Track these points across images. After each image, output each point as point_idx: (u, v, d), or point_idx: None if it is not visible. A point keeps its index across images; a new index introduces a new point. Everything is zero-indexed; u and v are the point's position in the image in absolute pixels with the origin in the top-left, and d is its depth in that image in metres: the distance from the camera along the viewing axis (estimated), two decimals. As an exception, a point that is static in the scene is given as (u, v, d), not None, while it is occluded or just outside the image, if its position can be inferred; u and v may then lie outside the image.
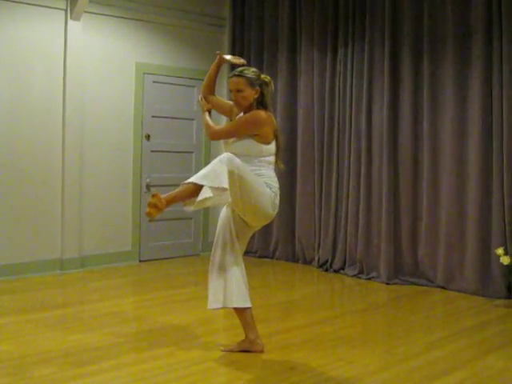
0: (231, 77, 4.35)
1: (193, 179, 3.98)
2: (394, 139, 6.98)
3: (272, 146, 4.32)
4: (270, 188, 4.24)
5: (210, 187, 3.91)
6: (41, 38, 6.99)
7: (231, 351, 4.45)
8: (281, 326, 5.17)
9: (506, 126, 6.16)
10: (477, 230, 6.38)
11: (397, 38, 6.96)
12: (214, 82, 4.62)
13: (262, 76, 4.42)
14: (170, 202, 3.97)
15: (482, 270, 6.35)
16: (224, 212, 4.51)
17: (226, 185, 3.91)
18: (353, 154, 7.31)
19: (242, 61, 4.58)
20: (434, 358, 4.45)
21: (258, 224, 4.49)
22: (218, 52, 4.61)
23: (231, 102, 4.52)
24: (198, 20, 8.38)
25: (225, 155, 4.04)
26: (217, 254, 4.46)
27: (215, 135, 4.45)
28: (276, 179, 4.36)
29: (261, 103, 4.36)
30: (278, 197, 4.32)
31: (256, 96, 4.33)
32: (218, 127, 4.44)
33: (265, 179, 4.24)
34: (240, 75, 4.31)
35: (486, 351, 4.63)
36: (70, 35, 7.11)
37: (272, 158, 4.34)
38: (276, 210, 4.32)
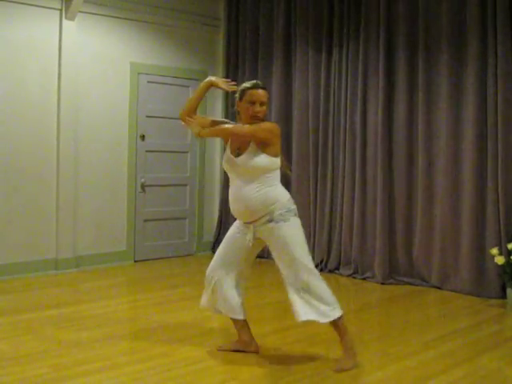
0: (255, 88, 4.20)
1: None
2: (388, 139, 6.99)
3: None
4: None
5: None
6: (36, 38, 6.98)
7: (226, 350, 4.46)
8: (276, 326, 5.17)
9: (501, 127, 6.16)
10: (471, 230, 6.39)
11: (392, 38, 6.97)
12: (197, 106, 4.35)
13: None
14: None
15: (477, 270, 6.36)
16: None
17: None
18: (348, 154, 7.31)
19: (232, 86, 4.35)
20: (429, 357, 4.46)
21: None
22: (210, 79, 4.37)
23: (210, 119, 4.46)
24: (193, 20, 8.37)
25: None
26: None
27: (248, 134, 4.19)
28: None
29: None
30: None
31: None
32: (243, 127, 4.20)
33: None
34: (265, 88, 4.25)
35: (480, 351, 4.64)
36: (64, 35, 7.10)
37: None
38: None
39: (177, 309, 5.71)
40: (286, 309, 5.89)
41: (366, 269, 7.16)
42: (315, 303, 4.14)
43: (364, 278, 7.10)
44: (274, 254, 4.31)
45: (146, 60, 7.97)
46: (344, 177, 7.36)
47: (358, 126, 7.21)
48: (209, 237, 8.72)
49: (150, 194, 8.06)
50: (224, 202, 8.64)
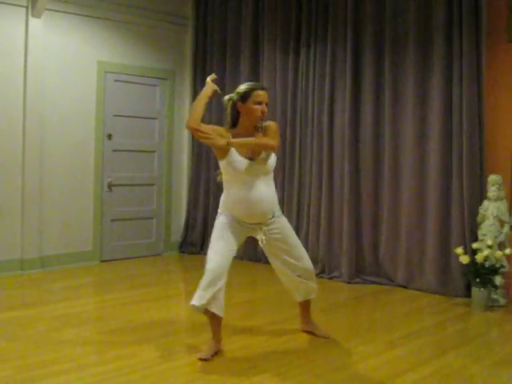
0: (260, 89, 4.32)
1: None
2: (355, 140, 7.03)
3: None
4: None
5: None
6: (1, 35, 6.88)
7: (209, 358, 4.30)
8: (243, 326, 5.17)
9: (466, 127, 6.23)
10: (437, 229, 6.46)
11: (359, 39, 7.01)
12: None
13: None
14: None
15: (442, 270, 6.43)
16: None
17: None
18: (315, 154, 7.34)
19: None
20: (395, 356, 4.49)
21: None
22: (212, 84, 4.35)
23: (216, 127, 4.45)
24: (161, 19, 8.33)
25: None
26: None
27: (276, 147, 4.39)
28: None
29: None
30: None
31: None
32: (270, 139, 4.30)
33: None
34: (266, 90, 4.41)
35: (446, 349, 4.69)
36: (30, 33, 7.01)
37: None
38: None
39: (144, 309, 5.68)
40: (254, 309, 5.92)
41: (332, 268, 7.19)
42: (311, 283, 4.78)
43: (331, 278, 7.13)
44: (282, 247, 4.58)
45: (113, 59, 7.92)
46: (311, 177, 7.39)
47: (325, 126, 7.23)
48: (176, 237, 8.69)
49: (117, 193, 8.01)
50: (192, 202, 8.62)
